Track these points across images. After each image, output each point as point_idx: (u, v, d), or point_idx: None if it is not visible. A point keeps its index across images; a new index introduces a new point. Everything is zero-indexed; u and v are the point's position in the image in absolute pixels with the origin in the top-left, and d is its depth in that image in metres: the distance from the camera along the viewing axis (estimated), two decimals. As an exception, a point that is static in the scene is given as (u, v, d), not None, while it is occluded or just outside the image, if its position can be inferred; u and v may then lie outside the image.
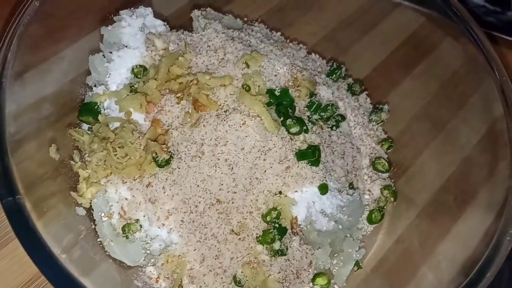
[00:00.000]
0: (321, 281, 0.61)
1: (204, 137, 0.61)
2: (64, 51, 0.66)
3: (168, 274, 0.60)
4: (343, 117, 0.70)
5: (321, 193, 0.61)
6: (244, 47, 0.68)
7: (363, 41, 0.80)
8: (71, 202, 0.60)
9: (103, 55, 0.69)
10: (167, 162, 0.60)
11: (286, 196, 0.60)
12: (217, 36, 0.69)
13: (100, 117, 0.65)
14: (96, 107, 0.66)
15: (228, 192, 0.59)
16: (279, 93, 0.64)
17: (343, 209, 0.63)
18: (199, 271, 0.58)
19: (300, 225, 0.61)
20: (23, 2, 0.61)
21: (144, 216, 0.60)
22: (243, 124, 0.60)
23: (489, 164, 0.62)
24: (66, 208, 0.59)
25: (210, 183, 0.59)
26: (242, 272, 0.58)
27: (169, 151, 0.61)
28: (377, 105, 0.76)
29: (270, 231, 0.58)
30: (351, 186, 0.67)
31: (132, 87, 0.66)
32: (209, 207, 0.59)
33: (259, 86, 0.64)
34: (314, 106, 0.67)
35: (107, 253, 0.59)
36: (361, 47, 0.80)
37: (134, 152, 0.61)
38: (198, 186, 0.60)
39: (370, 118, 0.74)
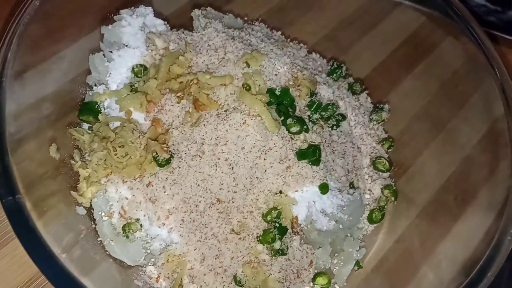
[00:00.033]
0: (321, 280, 0.60)
1: (205, 136, 0.60)
2: (64, 50, 0.66)
3: (168, 273, 0.60)
4: (343, 117, 0.70)
5: (321, 193, 0.61)
6: (245, 47, 0.68)
7: (363, 41, 0.80)
8: (71, 202, 0.60)
9: (103, 55, 0.69)
10: (168, 162, 0.60)
11: (286, 195, 0.60)
12: (218, 36, 0.68)
13: (100, 117, 0.65)
14: (96, 107, 0.66)
15: (228, 191, 0.59)
16: (279, 93, 0.64)
17: (344, 208, 0.63)
18: (199, 271, 0.58)
19: (300, 224, 0.61)
20: (23, 2, 0.60)
21: (144, 215, 0.60)
22: (243, 123, 0.60)
23: (490, 163, 0.62)
24: (66, 207, 0.59)
25: (211, 183, 0.59)
26: (242, 271, 0.58)
27: (170, 151, 0.61)
28: (377, 105, 0.75)
29: (271, 230, 0.58)
30: (352, 185, 0.67)
31: (133, 87, 0.66)
32: (209, 207, 0.59)
33: (259, 85, 0.64)
34: (315, 106, 0.67)
35: (107, 252, 0.59)
36: (362, 47, 0.80)
37: (135, 151, 0.60)
38: (198, 185, 0.60)
39: (371, 117, 0.74)
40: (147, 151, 0.61)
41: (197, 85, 0.62)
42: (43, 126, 0.61)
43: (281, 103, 0.64)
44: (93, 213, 0.61)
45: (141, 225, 0.60)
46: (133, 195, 0.60)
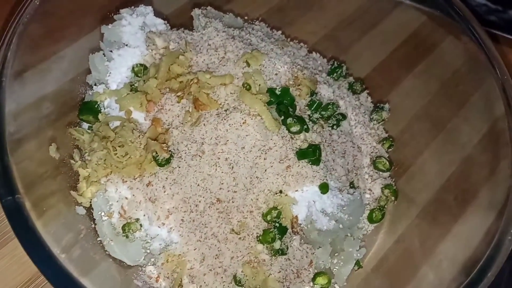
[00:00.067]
0: (321, 280, 0.60)
1: (205, 136, 0.60)
2: (64, 50, 0.66)
3: (168, 273, 0.59)
4: (344, 116, 0.70)
5: (321, 192, 0.61)
6: (245, 46, 0.68)
7: (363, 40, 0.80)
8: (71, 202, 0.60)
9: (104, 54, 0.68)
10: (167, 161, 0.60)
11: (286, 195, 0.60)
12: (218, 35, 0.68)
13: (100, 116, 0.65)
14: (96, 106, 0.65)
15: (228, 191, 0.59)
16: (279, 92, 0.64)
17: (344, 208, 0.63)
18: (199, 271, 0.58)
19: (300, 224, 0.61)
20: (23, 1, 0.60)
21: (144, 215, 0.60)
22: (243, 123, 0.60)
23: (490, 163, 0.62)
24: (66, 207, 0.59)
25: (211, 182, 0.59)
26: (242, 271, 0.58)
27: (169, 150, 0.61)
28: (378, 104, 0.75)
29: (271, 230, 0.58)
30: (352, 185, 0.67)
31: (133, 86, 0.66)
32: (209, 206, 0.59)
33: (259, 85, 0.64)
34: (315, 105, 0.67)
35: (107, 252, 0.59)
36: (362, 46, 0.79)
37: (134, 151, 0.60)
38: (198, 185, 0.59)
39: (371, 117, 0.74)
40: (147, 150, 0.61)
41: (197, 85, 0.62)
42: (43, 125, 0.61)
43: (281, 102, 0.64)
44: (92, 213, 0.61)
45: (140, 225, 0.60)
46: (133, 195, 0.60)
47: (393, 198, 0.68)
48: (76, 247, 0.55)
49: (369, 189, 0.69)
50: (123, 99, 0.64)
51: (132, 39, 0.69)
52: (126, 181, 0.60)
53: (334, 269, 0.63)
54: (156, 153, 0.60)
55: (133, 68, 0.67)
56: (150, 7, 0.73)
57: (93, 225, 0.61)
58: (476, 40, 0.66)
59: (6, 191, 0.50)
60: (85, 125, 0.66)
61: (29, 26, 0.60)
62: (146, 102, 0.64)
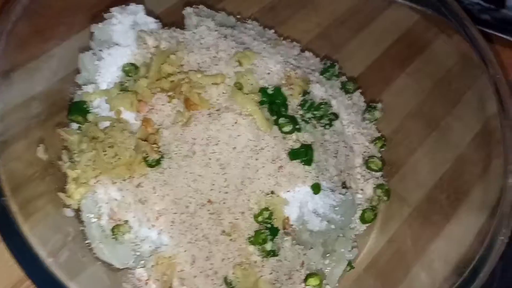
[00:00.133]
0: (313, 281, 0.60)
1: (196, 136, 0.60)
2: (53, 49, 0.65)
3: (158, 276, 0.59)
4: (336, 116, 0.69)
5: (313, 193, 0.61)
6: (237, 45, 0.67)
7: (356, 39, 0.79)
8: (59, 204, 0.59)
9: (93, 53, 0.68)
10: (158, 162, 0.59)
11: (278, 196, 0.60)
12: (210, 34, 0.68)
13: (89, 116, 0.64)
14: (85, 106, 0.65)
15: (219, 192, 0.59)
16: (272, 92, 0.64)
17: (336, 208, 0.63)
18: (189, 273, 0.58)
19: (292, 225, 0.60)
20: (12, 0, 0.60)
21: (134, 217, 0.60)
22: (235, 123, 0.60)
23: (483, 162, 0.62)
24: (54, 209, 0.58)
25: (202, 183, 0.59)
26: (233, 273, 0.58)
27: (160, 151, 0.60)
28: (370, 104, 0.75)
29: (262, 231, 0.58)
30: (344, 185, 0.67)
31: (123, 86, 0.65)
32: (200, 208, 0.59)
33: (251, 84, 0.63)
34: (307, 105, 0.67)
35: (95, 255, 0.58)
36: (355, 45, 0.79)
37: (124, 152, 0.60)
38: (189, 186, 0.59)
39: (364, 116, 0.74)
40: (137, 151, 0.60)
41: (189, 84, 0.62)
42: (31, 126, 0.60)
43: (273, 102, 0.63)
44: (81, 215, 0.60)
45: (130, 227, 0.60)
46: (123, 196, 0.60)
47: (385, 198, 0.68)
48: (64, 250, 0.55)
49: (361, 189, 0.69)
50: (113, 99, 0.63)
51: (123, 38, 0.68)
52: (116, 183, 0.60)
53: (326, 270, 0.62)
54: (147, 154, 0.59)
55: (123, 67, 0.66)
56: (141, 5, 0.72)
57: (81, 228, 0.60)
58: (469, 39, 0.66)
59: (-9, 194, 0.49)
60: (75, 126, 0.65)
61: (17, 24, 0.59)
62: (136, 102, 0.63)
